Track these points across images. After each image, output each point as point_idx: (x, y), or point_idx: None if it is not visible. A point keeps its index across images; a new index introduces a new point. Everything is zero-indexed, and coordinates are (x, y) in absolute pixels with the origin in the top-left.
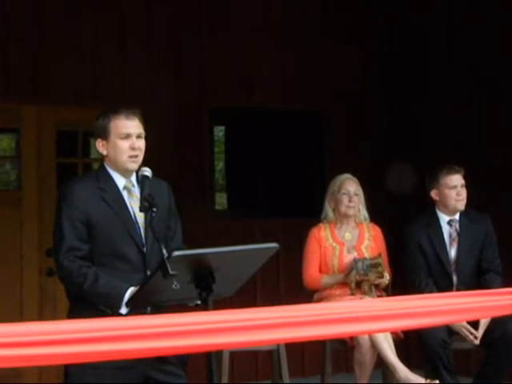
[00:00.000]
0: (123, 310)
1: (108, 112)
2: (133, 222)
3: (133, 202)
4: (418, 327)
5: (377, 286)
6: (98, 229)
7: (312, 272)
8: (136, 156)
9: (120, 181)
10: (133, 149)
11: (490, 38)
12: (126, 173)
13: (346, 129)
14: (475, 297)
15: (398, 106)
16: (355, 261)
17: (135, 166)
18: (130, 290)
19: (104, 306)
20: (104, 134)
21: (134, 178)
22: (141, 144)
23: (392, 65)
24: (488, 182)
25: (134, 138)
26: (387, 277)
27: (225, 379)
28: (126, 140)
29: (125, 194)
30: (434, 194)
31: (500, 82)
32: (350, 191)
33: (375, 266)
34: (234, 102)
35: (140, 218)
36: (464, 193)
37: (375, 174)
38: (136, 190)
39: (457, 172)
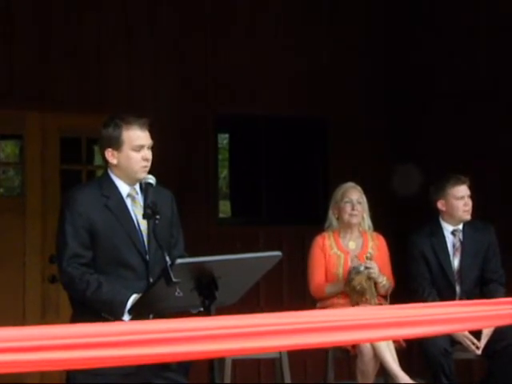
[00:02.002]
0: (126, 318)
1: (118, 121)
2: (136, 230)
3: (136, 210)
4: (421, 336)
5: (377, 294)
6: (101, 236)
7: (318, 280)
8: (147, 166)
9: (124, 188)
10: (145, 159)
11: (491, 39)
12: (132, 181)
13: (350, 136)
14: (478, 306)
15: (400, 111)
16: (351, 269)
17: (144, 176)
18: (133, 298)
19: (106, 314)
20: (116, 144)
21: (137, 185)
22: (151, 154)
23: (393, 68)
24: (489, 188)
25: (146, 149)
26: (383, 279)
27: None
28: (139, 151)
29: (128, 201)
30: (440, 204)
31: (502, 84)
32: (352, 200)
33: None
34: (238, 109)
35: (143, 225)
36: (470, 203)
37: (379, 181)
38: (140, 198)
39: (463, 182)
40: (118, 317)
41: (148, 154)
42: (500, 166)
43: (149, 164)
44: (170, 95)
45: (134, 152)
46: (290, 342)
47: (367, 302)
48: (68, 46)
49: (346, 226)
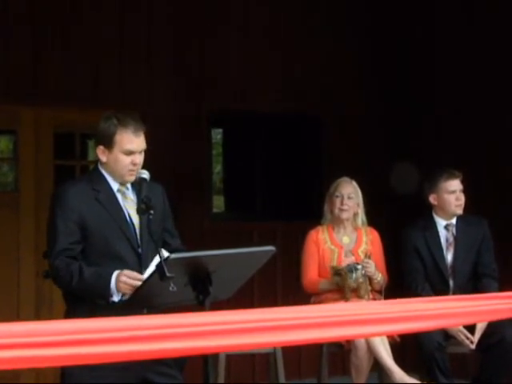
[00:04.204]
0: (115, 298)
1: (114, 120)
2: (127, 223)
3: (127, 205)
4: (415, 331)
5: (372, 289)
6: (93, 230)
7: (311, 275)
8: (134, 170)
9: (114, 183)
10: (134, 164)
11: (493, 40)
12: (119, 181)
13: (345, 132)
14: (472, 301)
15: (397, 109)
16: (348, 268)
17: (133, 179)
18: (116, 274)
19: (95, 298)
20: (107, 144)
21: None
22: (142, 158)
23: (392, 67)
24: (486, 185)
25: (136, 154)
26: (379, 275)
27: (221, 381)
28: (129, 155)
29: (119, 196)
30: (432, 198)
31: (502, 85)
32: (343, 194)
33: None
34: (232, 104)
35: (135, 218)
36: (463, 197)
37: (374, 177)
38: (130, 193)
39: (456, 177)
40: (107, 298)
41: (138, 158)
42: (499, 165)
43: (137, 168)
44: (165, 90)
45: (123, 155)
46: (284, 337)
47: (360, 298)
48: (63, 42)
49: (338, 221)
